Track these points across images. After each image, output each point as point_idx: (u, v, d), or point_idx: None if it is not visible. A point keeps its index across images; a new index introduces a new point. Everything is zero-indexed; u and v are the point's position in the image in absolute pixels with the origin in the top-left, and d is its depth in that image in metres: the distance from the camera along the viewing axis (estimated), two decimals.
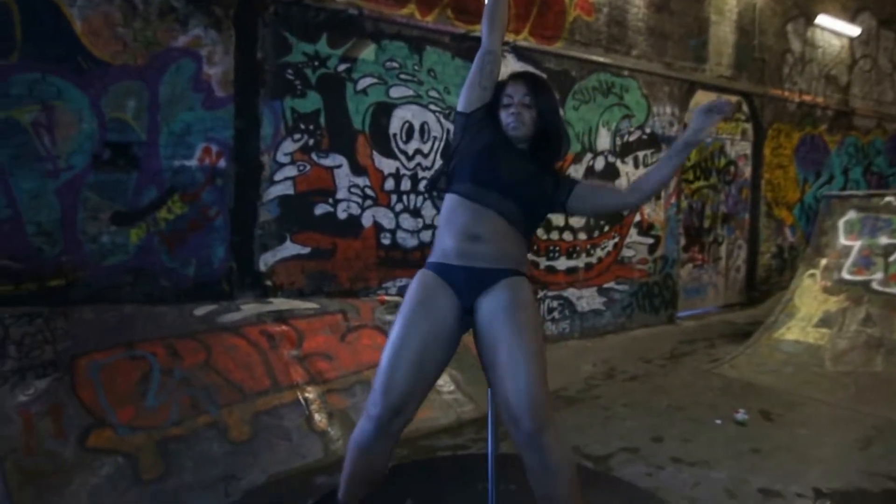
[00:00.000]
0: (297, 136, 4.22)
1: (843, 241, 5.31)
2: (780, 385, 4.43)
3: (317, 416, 3.33)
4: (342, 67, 4.39)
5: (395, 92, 4.65)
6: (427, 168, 4.83)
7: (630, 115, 6.17)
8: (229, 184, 3.96)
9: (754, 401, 4.10)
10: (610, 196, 2.21)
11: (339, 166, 4.42)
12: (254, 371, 3.38)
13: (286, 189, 4.20)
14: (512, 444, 1.94)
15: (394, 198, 4.68)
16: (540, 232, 5.49)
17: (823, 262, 5.33)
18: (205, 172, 3.87)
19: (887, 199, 5.23)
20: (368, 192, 4.56)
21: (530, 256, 5.31)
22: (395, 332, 1.99)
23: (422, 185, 4.81)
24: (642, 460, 3.22)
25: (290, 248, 4.23)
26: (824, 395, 4.19)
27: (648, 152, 6.31)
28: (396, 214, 4.70)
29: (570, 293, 5.81)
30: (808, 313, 5.07)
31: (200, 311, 3.60)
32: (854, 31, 8.57)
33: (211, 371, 3.27)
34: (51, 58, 3.34)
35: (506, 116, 2.14)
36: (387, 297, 4.46)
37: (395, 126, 4.66)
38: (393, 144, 4.66)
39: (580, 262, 5.86)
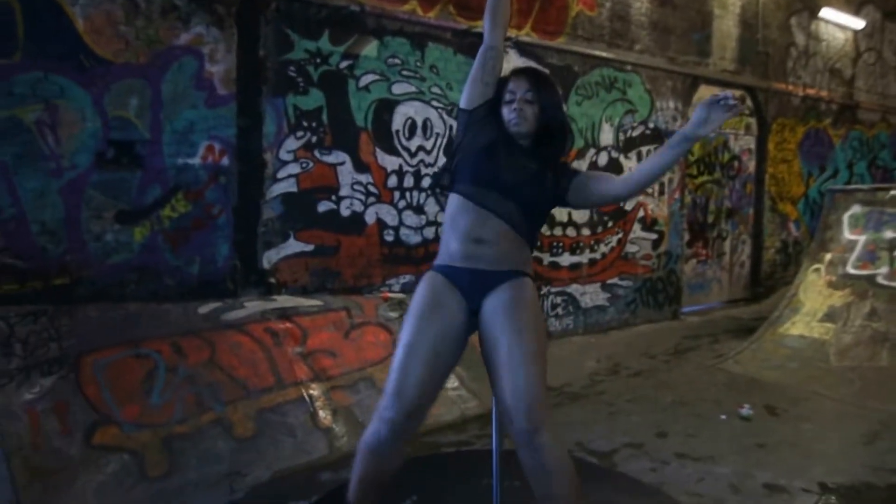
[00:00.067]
0: (299, 133, 4.22)
1: (847, 235, 5.28)
2: (784, 380, 4.42)
3: (321, 413, 3.34)
4: (344, 64, 4.38)
5: (398, 88, 4.64)
6: (430, 165, 4.83)
7: (633, 111, 6.15)
8: (232, 182, 3.97)
9: (759, 396, 4.09)
10: (604, 186, 2.14)
11: (342, 163, 4.42)
12: (258, 368, 3.39)
13: (289, 186, 4.20)
14: None
15: (397, 195, 4.68)
16: (543, 228, 5.47)
17: (828, 256, 5.30)
18: (208, 170, 3.87)
19: (892, 192, 5.19)
20: (371, 189, 4.56)
21: (534, 253, 5.29)
22: (406, 335, 1.98)
23: (425, 182, 4.81)
24: (647, 456, 3.22)
25: (293, 246, 4.24)
26: (829, 390, 4.18)
27: (652, 147, 6.28)
28: (399, 211, 4.70)
29: (574, 289, 5.80)
30: (812, 308, 5.05)
31: (204, 308, 3.60)
32: (858, 24, 8.51)
33: (215, 368, 3.28)
34: (53, 57, 3.35)
35: (507, 112, 2.12)
36: (390, 294, 4.46)
37: (397, 123, 4.66)
38: (396, 141, 4.66)
39: (584, 258, 5.85)
